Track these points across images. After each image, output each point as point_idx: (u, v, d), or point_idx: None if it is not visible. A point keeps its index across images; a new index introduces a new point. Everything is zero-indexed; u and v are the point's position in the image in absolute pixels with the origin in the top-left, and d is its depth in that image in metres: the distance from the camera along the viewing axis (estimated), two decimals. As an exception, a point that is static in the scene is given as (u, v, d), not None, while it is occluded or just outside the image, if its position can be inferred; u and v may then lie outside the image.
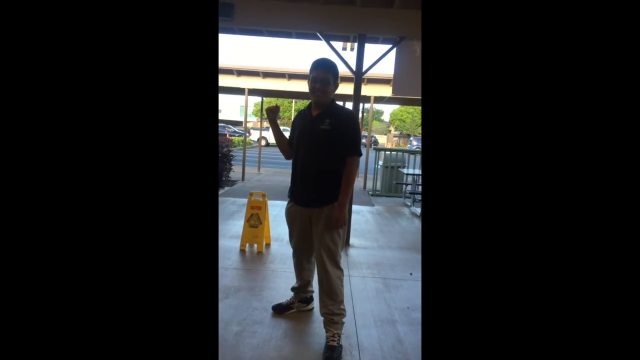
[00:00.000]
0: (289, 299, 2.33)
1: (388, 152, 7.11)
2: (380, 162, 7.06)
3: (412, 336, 2.13)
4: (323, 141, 1.87)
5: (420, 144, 22.56)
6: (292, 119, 2.10)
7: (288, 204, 2.09)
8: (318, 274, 1.98)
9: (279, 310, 2.28)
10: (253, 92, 8.51)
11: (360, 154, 1.91)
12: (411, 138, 26.64)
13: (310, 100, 2.00)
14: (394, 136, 33.22)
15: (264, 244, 3.44)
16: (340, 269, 1.98)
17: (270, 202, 3.71)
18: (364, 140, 10.91)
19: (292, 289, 2.32)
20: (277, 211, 4.48)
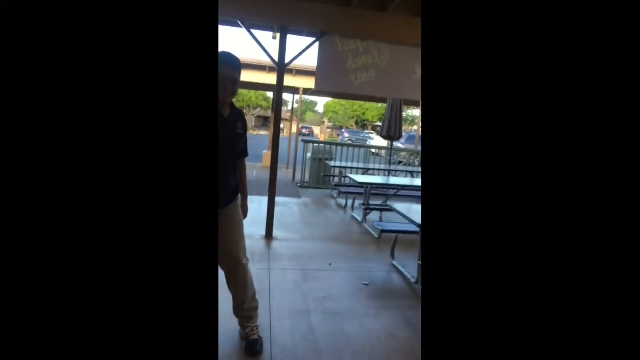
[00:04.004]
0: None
1: (316, 145, 7.22)
2: (309, 154, 7.15)
3: (324, 325, 2.20)
4: (238, 145, 1.85)
5: (352, 136, 23.27)
6: None
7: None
8: (236, 270, 1.88)
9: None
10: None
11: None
12: (342, 130, 27.30)
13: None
14: (327, 128, 33.80)
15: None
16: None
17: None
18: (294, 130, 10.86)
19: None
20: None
